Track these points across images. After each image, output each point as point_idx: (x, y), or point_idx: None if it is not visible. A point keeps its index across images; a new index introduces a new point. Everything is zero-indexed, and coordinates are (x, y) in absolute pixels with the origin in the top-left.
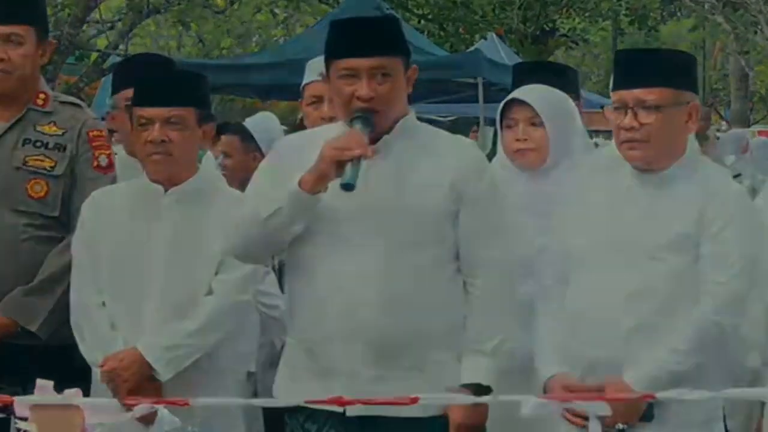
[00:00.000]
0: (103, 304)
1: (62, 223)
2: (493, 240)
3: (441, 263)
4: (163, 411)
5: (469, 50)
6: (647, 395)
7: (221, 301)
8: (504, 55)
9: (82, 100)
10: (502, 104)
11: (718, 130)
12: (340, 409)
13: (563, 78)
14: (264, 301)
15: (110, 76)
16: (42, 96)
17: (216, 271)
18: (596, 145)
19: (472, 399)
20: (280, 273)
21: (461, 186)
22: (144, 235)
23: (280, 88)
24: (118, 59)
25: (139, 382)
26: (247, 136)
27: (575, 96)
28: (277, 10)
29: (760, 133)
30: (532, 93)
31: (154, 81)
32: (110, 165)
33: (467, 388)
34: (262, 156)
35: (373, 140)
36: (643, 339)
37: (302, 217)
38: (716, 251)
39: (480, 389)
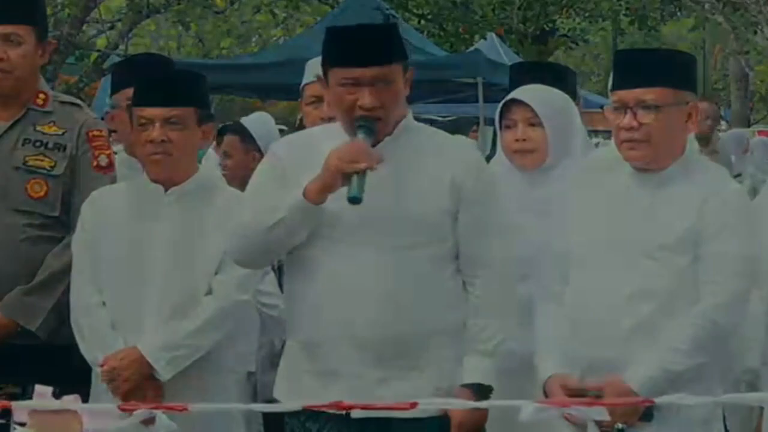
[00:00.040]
0: (103, 303)
1: (62, 223)
2: (493, 240)
3: (441, 263)
4: (161, 416)
5: (468, 50)
6: (646, 400)
7: (221, 301)
8: (504, 55)
9: (82, 100)
10: (501, 104)
11: (718, 130)
12: (344, 412)
13: (560, 78)
14: (264, 300)
15: (110, 76)
16: (42, 96)
17: (216, 271)
18: (597, 145)
19: (469, 404)
20: (279, 273)
21: (460, 186)
22: (144, 235)
23: (280, 88)
24: (118, 59)
25: (139, 381)
26: (246, 136)
27: (573, 96)
28: (276, 10)
29: (760, 133)
30: (532, 93)
31: (154, 81)
32: (110, 165)
33: (468, 387)
34: (262, 156)
35: (373, 143)
36: (643, 339)
37: (306, 226)
38: (716, 251)
39: (481, 389)
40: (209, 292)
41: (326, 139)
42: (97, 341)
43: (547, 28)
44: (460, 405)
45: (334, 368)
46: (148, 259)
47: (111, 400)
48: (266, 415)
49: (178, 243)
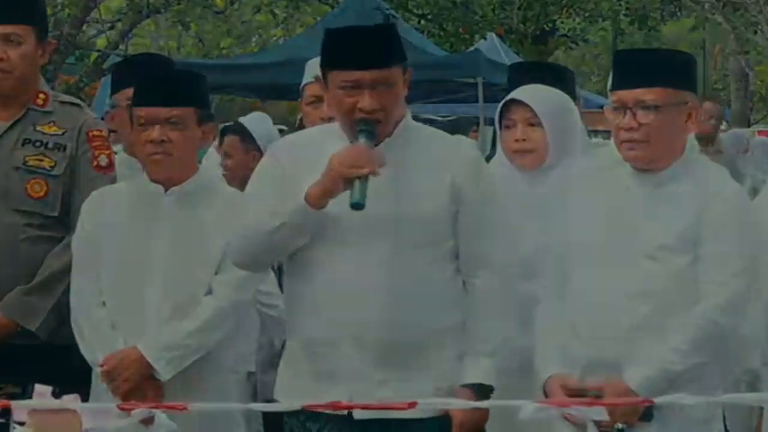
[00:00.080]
0: (103, 303)
1: (62, 223)
2: (492, 240)
3: (441, 263)
4: (160, 416)
5: (468, 50)
6: (646, 400)
7: (221, 301)
8: (504, 55)
9: (82, 100)
10: (500, 105)
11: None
12: (343, 411)
13: (559, 79)
14: (264, 300)
15: (110, 76)
16: (42, 96)
17: (216, 271)
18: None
19: (469, 404)
20: (279, 273)
21: (460, 186)
22: (144, 235)
23: (280, 88)
24: (118, 59)
25: (139, 381)
26: (246, 136)
27: (572, 97)
28: (277, 10)
29: (760, 133)
30: (531, 93)
31: (154, 81)
32: (110, 165)
33: (469, 388)
34: (261, 155)
35: (374, 145)
36: (643, 339)
37: (307, 230)
38: (716, 251)
39: (481, 389)
40: (209, 293)
41: (325, 140)
42: (97, 341)
43: (547, 28)
44: (459, 405)
45: (335, 369)
46: (148, 259)
47: (111, 400)
48: (266, 416)
49: (178, 243)
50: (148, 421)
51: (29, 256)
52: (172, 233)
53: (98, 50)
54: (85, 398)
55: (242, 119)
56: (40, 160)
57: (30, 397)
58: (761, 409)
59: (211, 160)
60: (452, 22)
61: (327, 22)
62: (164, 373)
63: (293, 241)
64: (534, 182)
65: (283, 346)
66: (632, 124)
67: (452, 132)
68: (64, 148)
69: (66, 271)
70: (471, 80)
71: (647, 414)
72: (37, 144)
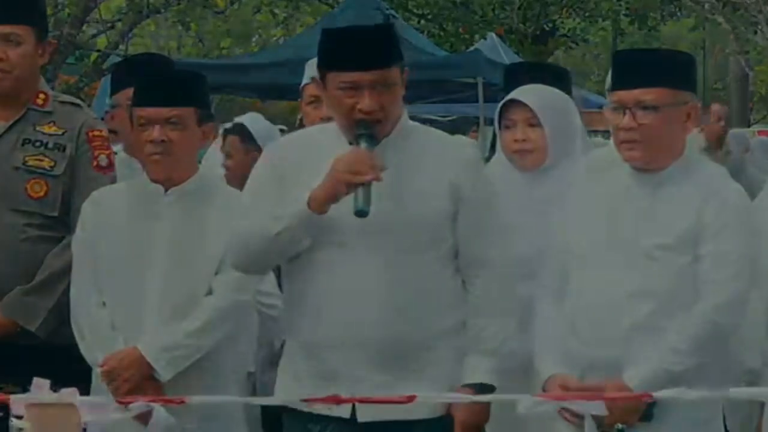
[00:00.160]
0: (103, 303)
1: (62, 223)
2: (492, 239)
3: (441, 264)
4: (159, 409)
5: (469, 50)
6: (645, 395)
7: (221, 301)
8: (504, 55)
9: (82, 100)
10: (500, 105)
11: None
12: (345, 414)
13: (556, 79)
14: (264, 300)
15: (110, 76)
16: (42, 96)
17: (216, 271)
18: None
19: (469, 398)
20: (278, 272)
21: (459, 187)
22: (144, 235)
23: (280, 88)
24: (118, 59)
25: (139, 382)
26: (247, 136)
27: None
28: (277, 10)
29: (760, 133)
30: (531, 93)
31: (154, 81)
32: (110, 165)
33: (470, 387)
34: None
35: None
36: (643, 339)
37: (310, 234)
38: (716, 251)
39: (483, 389)
40: (209, 293)
41: (323, 139)
42: (97, 341)
43: (547, 28)
44: (458, 398)
45: (336, 371)
46: (148, 259)
47: None
48: (265, 418)
49: (178, 243)
50: (144, 418)
51: (29, 256)
52: (172, 233)
53: (98, 50)
54: None
55: (241, 119)
56: (40, 160)
57: None
58: (761, 409)
59: (211, 159)
60: (452, 22)
61: (327, 22)
62: (164, 373)
63: (294, 246)
64: (534, 182)
65: (282, 347)
66: (631, 125)
67: (452, 132)
68: (64, 148)
69: (66, 271)
70: (471, 80)
71: (647, 414)
72: (37, 144)
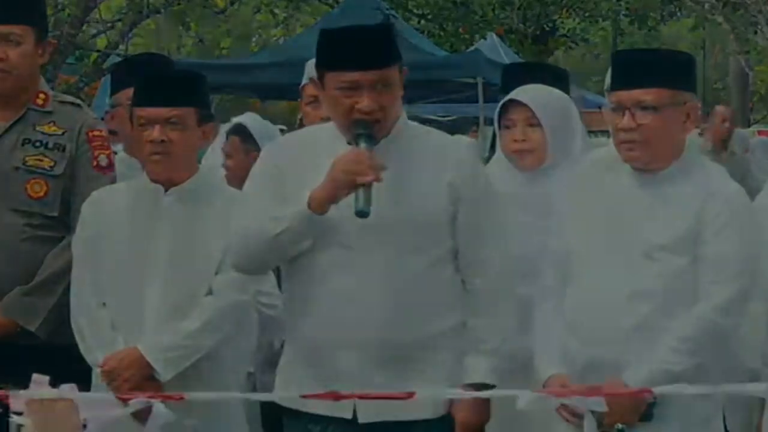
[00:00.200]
0: (103, 304)
1: (62, 223)
2: (491, 239)
3: (441, 264)
4: (158, 405)
5: (469, 50)
6: (644, 390)
7: (221, 301)
8: (504, 55)
9: (82, 100)
10: (500, 105)
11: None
12: (348, 415)
13: (552, 79)
14: (264, 300)
15: (110, 76)
16: (42, 96)
17: (216, 271)
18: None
19: (467, 393)
20: (278, 273)
21: (458, 187)
22: (144, 235)
23: (280, 88)
24: (118, 59)
25: (139, 382)
26: (247, 137)
27: None
28: (277, 10)
29: (760, 133)
30: (531, 94)
31: (154, 81)
32: (110, 165)
33: (470, 387)
34: None
35: None
36: (643, 339)
37: (311, 235)
38: (716, 251)
39: (484, 388)
40: (210, 293)
41: (321, 139)
42: (97, 341)
43: (547, 28)
44: (457, 394)
45: (336, 371)
46: (148, 259)
47: None
48: (265, 419)
49: (178, 243)
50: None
51: (29, 256)
52: (172, 233)
53: (98, 50)
54: None
55: (239, 119)
56: (40, 160)
57: None
58: (761, 410)
59: (211, 159)
60: (452, 22)
61: (327, 22)
62: (164, 373)
63: (294, 246)
64: (533, 182)
65: (282, 347)
66: (631, 125)
67: (452, 132)
68: (64, 148)
69: (66, 271)
70: (471, 80)
71: (647, 414)
72: (37, 144)
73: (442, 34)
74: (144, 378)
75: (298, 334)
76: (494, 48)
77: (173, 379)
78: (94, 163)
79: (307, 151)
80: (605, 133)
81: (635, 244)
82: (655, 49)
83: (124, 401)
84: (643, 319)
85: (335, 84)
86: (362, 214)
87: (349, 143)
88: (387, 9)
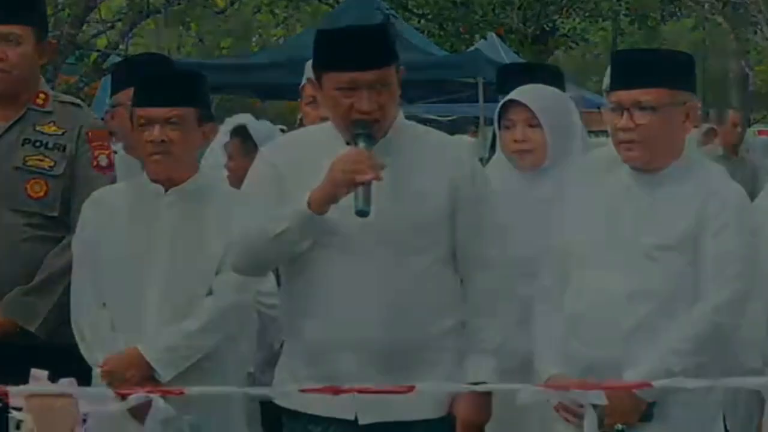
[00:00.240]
0: (104, 304)
1: (62, 223)
2: (491, 239)
3: (440, 265)
4: (158, 400)
5: (469, 50)
6: (644, 383)
7: (221, 301)
8: (504, 55)
9: (82, 100)
10: (499, 105)
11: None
12: (349, 416)
13: (548, 79)
14: (264, 300)
15: (110, 76)
16: (42, 96)
17: (216, 271)
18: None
19: (467, 387)
20: (278, 272)
21: (457, 187)
22: (144, 235)
23: (280, 88)
24: (118, 59)
25: (139, 382)
26: (247, 138)
27: None
28: (277, 10)
29: (760, 133)
30: (530, 94)
31: (154, 81)
32: (110, 165)
33: None
34: None
35: None
36: (643, 339)
37: (311, 235)
38: (715, 251)
39: None
40: (210, 293)
41: (319, 139)
42: (97, 342)
43: (547, 28)
44: (457, 388)
45: (335, 371)
46: (149, 259)
47: None
48: (265, 418)
49: (178, 243)
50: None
51: (29, 256)
52: (173, 233)
53: (98, 50)
54: None
55: (236, 119)
56: (40, 160)
57: None
58: (761, 410)
59: (210, 159)
60: (452, 22)
61: (327, 22)
62: (164, 373)
63: (294, 247)
64: (533, 183)
65: (281, 347)
66: (630, 125)
67: (452, 132)
68: (64, 148)
69: (66, 271)
70: (471, 80)
71: (647, 414)
72: (37, 144)
73: (442, 34)
74: (144, 378)
75: (298, 333)
76: (494, 48)
77: (173, 379)
78: (94, 163)
79: (306, 152)
80: (605, 133)
81: (635, 244)
82: (655, 49)
83: (123, 396)
84: (642, 319)
85: (333, 84)
86: (362, 213)
87: (347, 143)
88: (387, 9)
